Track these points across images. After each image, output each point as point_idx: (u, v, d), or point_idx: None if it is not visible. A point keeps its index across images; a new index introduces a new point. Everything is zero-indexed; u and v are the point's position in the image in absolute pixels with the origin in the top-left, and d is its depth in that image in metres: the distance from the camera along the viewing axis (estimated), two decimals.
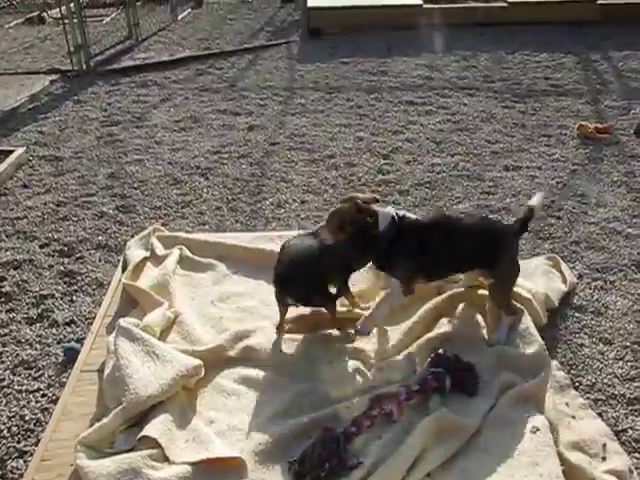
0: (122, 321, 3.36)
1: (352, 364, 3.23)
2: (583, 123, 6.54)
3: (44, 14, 12.60)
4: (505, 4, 11.09)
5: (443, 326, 3.47)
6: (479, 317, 3.57)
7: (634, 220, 4.89)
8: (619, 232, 4.73)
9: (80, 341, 3.65)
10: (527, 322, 3.40)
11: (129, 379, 2.97)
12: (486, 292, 3.61)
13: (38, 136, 6.79)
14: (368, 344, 3.40)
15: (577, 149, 6.22)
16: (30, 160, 6.18)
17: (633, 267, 4.31)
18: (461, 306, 3.62)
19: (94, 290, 4.19)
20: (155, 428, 2.80)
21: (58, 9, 10.43)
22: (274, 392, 3.09)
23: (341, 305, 3.60)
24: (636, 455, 2.93)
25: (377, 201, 3.31)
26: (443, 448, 2.72)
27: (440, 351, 3.19)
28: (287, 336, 3.45)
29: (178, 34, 11.19)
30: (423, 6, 11.02)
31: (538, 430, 2.82)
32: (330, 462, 2.60)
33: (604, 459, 2.85)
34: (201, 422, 2.92)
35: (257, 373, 3.21)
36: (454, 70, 8.79)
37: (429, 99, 7.65)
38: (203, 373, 3.14)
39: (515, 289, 3.59)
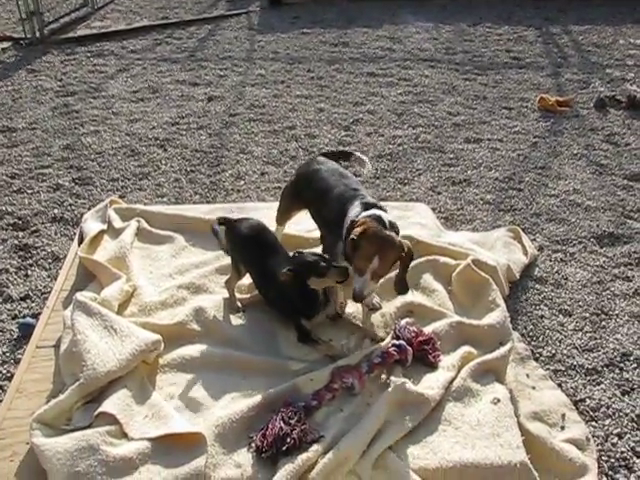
0: (79, 295, 3.28)
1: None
2: (544, 96, 6.58)
3: None
4: None
5: (406, 297, 3.45)
6: (442, 288, 3.57)
7: (593, 192, 4.93)
8: (579, 204, 4.76)
9: (35, 316, 3.56)
10: (493, 293, 3.41)
11: (86, 354, 2.90)
12: (450, 261, 3.62)
13: None
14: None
15: (538, 122, 6.25)
16: None
17: (592, 239, 4.35)
18: (424, 277, 3.62)
19: (50, 264, 4.09)
20: (113, 404, 2.74)
21: None
22: (235, 366, 3.05)
23: None
24: (593, 424, 2.97)
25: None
26: (405, 420, 2.72)
27: (402, 323, 3.18)
28: (248, 310, 3.41)
29: (135, 2, 10.94)
30: None
31: (499, 401, 2.84)
32: (291, 436, 2.58)
33: (563, 428, 2.90)
34: (161, 397, 2.87)
35: (217, 348, 3.15)
36: (416, 42, 8.75)
37: (390, 71, 7.61)
38: (163, 348, 3.08)
39: (480, 258, 3.60)
